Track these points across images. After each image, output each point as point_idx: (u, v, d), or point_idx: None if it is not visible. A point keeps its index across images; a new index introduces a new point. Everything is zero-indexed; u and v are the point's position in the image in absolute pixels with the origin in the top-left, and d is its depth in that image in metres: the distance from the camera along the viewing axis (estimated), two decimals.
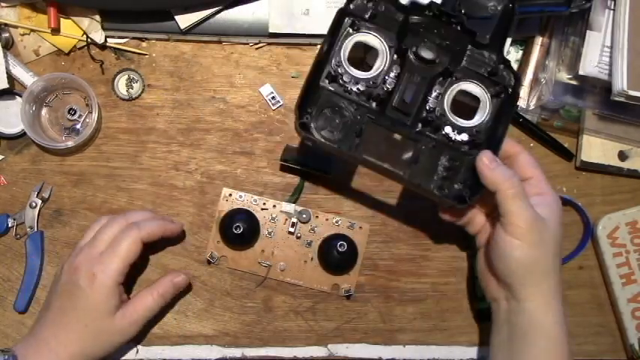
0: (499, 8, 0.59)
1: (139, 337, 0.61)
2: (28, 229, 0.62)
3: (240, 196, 0.63)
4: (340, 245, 0.60)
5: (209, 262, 0.62)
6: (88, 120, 0.63)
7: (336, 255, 0.60)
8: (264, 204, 0.63)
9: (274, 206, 0.63)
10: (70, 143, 0.61)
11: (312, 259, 0.63)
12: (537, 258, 0.51)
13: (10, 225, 0.62)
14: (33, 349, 0.54)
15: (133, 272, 0.59)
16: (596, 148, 0.65)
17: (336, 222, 0.63)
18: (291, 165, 0.61)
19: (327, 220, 0.63)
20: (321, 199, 0.64)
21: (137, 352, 0.61)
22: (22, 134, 0.62)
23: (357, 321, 0.63)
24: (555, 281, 0.52)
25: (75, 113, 0.63)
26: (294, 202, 0.63)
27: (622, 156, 0.65)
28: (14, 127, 0.62)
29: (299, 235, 0.63)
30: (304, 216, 0.62)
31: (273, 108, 0.65)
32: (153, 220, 0.58)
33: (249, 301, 0.63)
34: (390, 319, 0.63)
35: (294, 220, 0.62)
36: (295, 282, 0.63)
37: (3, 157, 0.63)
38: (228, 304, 0.63)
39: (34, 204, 0.62)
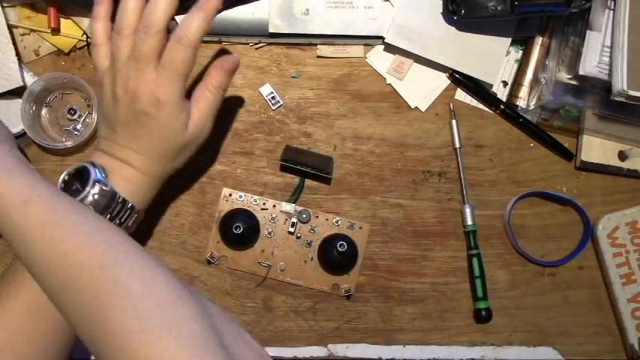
0: (499, 8, 0.59)
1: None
2: None
3: (240, 197, 0.63)
4: (340, 245, 0.60)
5: (209, 262, 0.62)
6: (88, 120, 0.63)
7: (336, 255, 0.60)
8: (264, 204, 0.63)
9: (274, 206, 0.63)
10: (70, 143, 0.61)
11: (312, 259, 0.63)
12: None
13: None
14: (117, 167, 0.51)
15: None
16: (596, 148, 0.65)
17: (336, 222, 0.63)
18: (291, 165, 0.61)
19: (327, 220, 0.63)
20: (321, 199, 0.64)
21: None
22: (22, 134, 0.62)
23: (357, 321, 0.63)
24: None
25: (75, 113, 0.63)
26: (294, 202, 0.63)
27: (622, 156, 0.65)
28: (14, 127, 0.62)
29: (299, 235, 0.63)
30: (304, 216, 0.62)
31: (273, 108, 0.65)
32: (192, 17, 0.50)
33: (249, 301, 0.63)
34: (390, 319, 0.63)
35: (294, 220, 0.62)
36: (295, 282, 0.63)
37: None
38: (228, 304, 0.63)
39: None
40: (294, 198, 0.63)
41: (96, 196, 0.48)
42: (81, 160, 0.63)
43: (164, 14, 0.50)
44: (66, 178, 0.51)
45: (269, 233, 0.63)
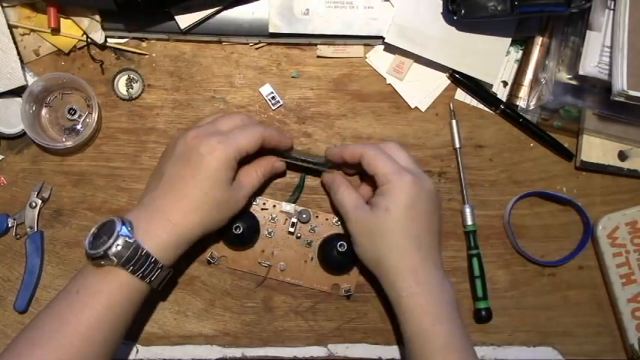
0: (499, 8, 0.59)
1: (138, 337, 0.61)
2: (28, 229, 0.62)
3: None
4: (340, 245, 0.60)
5: (209, 263, 0.62)
6: (88, 120, 0.63)
7: (336, 255, 0.60)
8: (264, 204, 0.63)
9: (274, 206, 0.63)
10: (70, 143, 0.61)
11: (312, 259, 0.63)
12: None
13: (10, 225, 0.62)
14: (148, 219, 0.53)
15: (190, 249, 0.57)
16: (596, 148, 0.65)
17: (336, 222, 0.63)
18: (292, 161, 0.61)
19: (327, 220, 0.63)
20: (321, 199, 0.64)
21: (137, 352, 0.61)
22: (22, 134, 0.62)
23: (357, 321, 0.63)
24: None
25: (75, 113, 0.63)
26: (294, 202, 0.63)
27: (622, 156, 0.65)
28: (14, 127, 0.62)
29: (299, 235, 0.63)
30: (304, 216, 0.62)
31: (273, 108, 0.65)
32: (273, 129, 0.59)
33: (249, 301, 0.63)
34: (390, 319, 0.63)
35: (294, 220, 0.62)
36: (295, 282, 0.63)
37: (3, 157, 0.63)
38: (228, 304, 0.63)
39: (34, 204, 0.62)
40: (294, 198, 0.63)
41: (119, 247, 0.50)
42: (81, 159, 0.63)
43: (276, 138, 0.58)
44: (95, 231, 0.52)
45: (269, 233, 0.63)
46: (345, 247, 0.60)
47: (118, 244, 0.50)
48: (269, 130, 0.57)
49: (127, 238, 0.50)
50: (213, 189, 0.53)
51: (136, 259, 0.50)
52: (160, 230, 0.52)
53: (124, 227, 0.51)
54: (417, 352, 0.54)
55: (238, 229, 0.60)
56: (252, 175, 0.59)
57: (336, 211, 0.62)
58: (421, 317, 0.53)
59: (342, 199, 0.58)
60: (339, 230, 0.63)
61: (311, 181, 0.64)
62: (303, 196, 0.64)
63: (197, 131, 0.55)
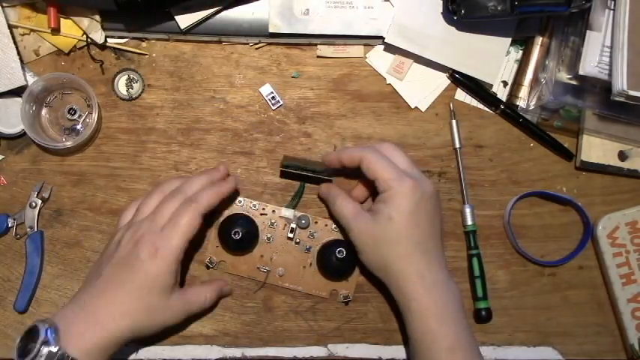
0: (499, 8, 0.59)
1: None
2: (28, 229, 0.62)
3: (240, 201, 0.63)
4: (339, 252, 0.60)
5: (208, 267, 0.62)
6: (88, 120, 0.63)
7: (335, 261, 0.60)
8: (264, 209, 0.63)
9: (273, 211, 0.63)
10: (70, 143, 0.61)
11: (310, 264, 0.63)
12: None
13: (10, 225, 0.62)
14: (78, 320, 0.52)
15: (190, 250, 0.58)
16: (596, 148, 0.65)
17: (335, 228, 0.63)
18: (292, 170, 0.61)
19: (326, 225, 0.63)
20: (320, 205, 0.64)
21: (137, 352, 0.61)
22: (22, 134, 0.62)
23: (357, 321, 0.63)
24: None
25: (75, 113, 0.63)
26: (293, 208, 0.63)
27: (622, 156, 0.65)
28: (14, 127, 0.62)
29: (298, 240, 0.63)
30: (303, 222, 0.62)
31: (273, 108, 0.65)
32: (209, 190, 0.57)
33: (249, 301, 0.63)
34: (390, 319, 0.63)
35: (294, 225, 0.62)
36: (294, 287, 0.63)
37: (3, 157, 0.63)
38: (228, 304, 0.63)
39: (34, 204, 0.62)
40: (293, 203, 0.63)
41: (42, 358, 0.49)
42: (81, 159, 0.63)
43: (198, 187, 0.57)
44: (23, 336, 0.51)
45: (268, 238, 0.63)
46: (344, 254, 0.60)
47: (41, 355, 0.49)
48: (206, 198, 0.55)
49: (50, 347, 0.49)
50: (149, 295, 0.53)
51: None
52: (88, 333, 0.51)
53: (47, 333, 0.49)
54: (423, 352, 0.54)
55: (237, 235, 0.59)
56: (201, 297, 0.58)
57: (336, 220, 0.62)
58: (428, 319, 0.54)
59: (341, 210, 0.59)
60: (339, 236, 0.63)
61: (311, 186, 0.64)
62: (303, 201, 0.64)
63: (140, 232, 0.54)
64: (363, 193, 0.61)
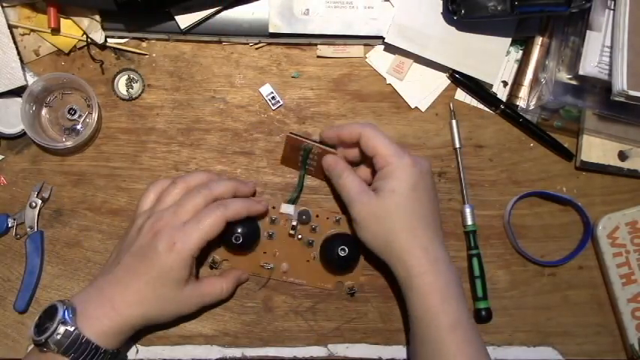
0: (499, 8, 0.59)
1: (139, 337, 0.61)
2: (28, 229, 0.62)
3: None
4: (341, 250, 0.60)
5: (212, 268, 0.62)
6: (88, 120, 0.63)
7: (338, 254, 0.60)
8: None
9: (274, 208, 0.63)
10: (70, 143, 0.61)
11: (314, 258, 0.63)
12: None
13: (10, 225, 0.62)
14: (95, 304, 0.53)
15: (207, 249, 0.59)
16: (596, 148, 0.65)
17: (337, 220, 0.63)
18: (299, 137, 0.61)
19: (327, 219, 0.63)
20: (321, 199, 0.64)
21: (137, 352, 0.61)
22: (22, 134, 0.62)
23: (357, 321, 0.63)
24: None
25: (75, 113, 0.63)
26: (293, 203, 0.63)
27: (622, 156, 0.65)
28: (14, 127, 0.62)
29: (300, 235, 0.63)
30: (304, 217, 0.62)
31: (273, 108, 0.65)
32: (240, 201, 0.58)
33: (249, 301, 0.63)
34: (390, 319, 0.63)
35: (295, 221, 0.62)
36: (299, 282, 0.63)
37: (3, 157, 0.63)
38: (228, 304, 0.63)
39: (34, 204, 0.62)
40: (294, 197, 0.63)
41: (59, 336, 0.51)
42: (81, 159, 0.63)
43: (224, 189, 0.57)
44: (41, 315, 0.53)
45: (270, 235, 0.63)
46: (347, 252, 0.60)
47: (58, 333, 0.51)
48: (235, 207, 0.56)
49: (67, 326, 0.51)
50: (163, 286, 0.54)
51: (76, 347, 0.51)
52: (104, 317, 0.53)
53: (65, 313, 0.51)
54: (423, 330, 0.54)
55: (238, 240, 0.59)
56: (217, 287, 0.59)
57: (336, 195, 0.62)
58: (431, 295, 0.54)
59: (345, 184, 0.58)
60: (341, 229, 0.63)
61: (310, 180, 0.64)
62: (303, 197, 0.64)
63: (160, 224, 0.55)
64: (366, 175, 0.61)
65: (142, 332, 0.60)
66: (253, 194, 0.63)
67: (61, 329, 0.51)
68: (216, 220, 0.55)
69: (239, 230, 0.59)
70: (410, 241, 0.55)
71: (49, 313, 0.52)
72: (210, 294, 0.59)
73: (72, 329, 0.51)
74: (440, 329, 0.53)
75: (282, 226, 0.63)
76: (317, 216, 0.63)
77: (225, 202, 0.57)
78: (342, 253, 0.60)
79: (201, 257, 0.60)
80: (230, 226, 0.57)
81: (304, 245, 0.63)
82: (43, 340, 0.51)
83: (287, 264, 0.63)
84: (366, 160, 0.60)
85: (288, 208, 0.63)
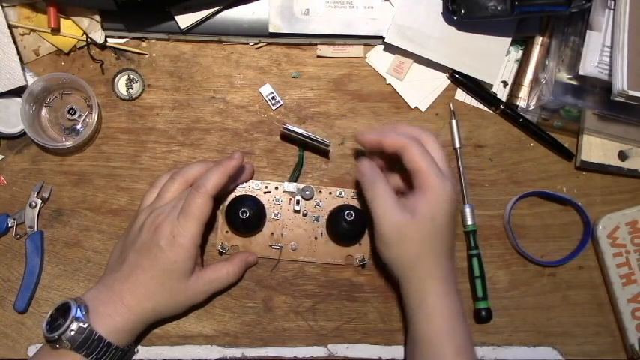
0: (499, 8, 0.59)
1: (139, 337, 0.61)
2: (28, 229, 0.62)
3: (242, 184, 0.63)
4: (348, 215, 0.60)
5: (220, 253, 0.62)
6: (88, 120, 0.63)
7: (345, 225, 0.60)
8: (266, 187, 0.63)
9: (276, 188, 0.63)
10: (70, 143, 0.61)
11: (321, 234, 0.63)
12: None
13: (10, 225, 0.62)
14: (106, 301, 0.54)
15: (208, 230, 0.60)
16: (596, 148, 0.65)
17: (340, 194, 0.63)
18: (293, 134, 0.61)
19: (330, 193, 0.63)
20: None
21: (137, 352, 0.61)
22: (22, 134, 0.62)
23: (357, 321, 0.63)
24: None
25: (75, 113, 0.63)
26: (295, 181, 0.63)
27: (622, 156, 0.65)
28: (14, 127, 0.62)
29: (305, 212, 0.63)
30: (307, 193, 0.62)
31: (273, 108, 0.65)
32: (211, 171, 0.56)
33: (249, 301, 0.63)
34: (390, 319, 0.63)
35: (298, 198, 0.62)
36: (309, 259, 0.63)
37: (3, 157, 0.63)
38: (228, 304, 0.63)
39: (34, 204, 0.62)
40: (294, 176, 0.63)
41: (72, 332, 0.51)
42: (81, 159, 0.63)
43: (216, 182, 0.56)
44: (53, 312, 0.54)
45: (275, 215, 0.63)
46: (353, 216, 0.60)
47: (72, 329, 0.51)
48: (212, 180, 0.55)
49: (80, 323, 0.52)
50: (170, 279, 0.55)
51: (89, 343, 0.52)
52: (115, 314, 0.54)
53: (78, 310, 0.52)
54: (429, 351, 0.55)
55: (245, 214, 0.59)
56: (222, 272, 0.60)
57: (358, 185, 0.61)
58: (447, 318, 0.55)
59: (379, 195, 0.56)
60: (344, 201, 0.63)
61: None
62: (303, 176, 0.64)
63: (160, 219, 0.55)
64: (397, 183, 0.60)
65: (142, 332, 0.60)
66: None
67: (74, 326, 0.51)
68: (201, 201, 0.55)
69: (245, 208, 0.60)
70: (434, 266, 0.55)
71: (62, 310, 0.53)
72: (217, 279, 0.59)
73: (85, 326, 0.52)
74: (447, 353, 0.54)
75: (286, 205, 0.63)
76: (320, 192, 0.63)
77: (199, 181, 0.56)
78: (349, 218, 0.60)
79: (203, 245, 0.61)
80: (235, 207, 0.59)
81: (310, 222, 0.63)
82: (56, 337, 0.51)
83: (295, 242, 0.63)
84: (394, 163, 0.59)
85: (290, 186, 0.63)
